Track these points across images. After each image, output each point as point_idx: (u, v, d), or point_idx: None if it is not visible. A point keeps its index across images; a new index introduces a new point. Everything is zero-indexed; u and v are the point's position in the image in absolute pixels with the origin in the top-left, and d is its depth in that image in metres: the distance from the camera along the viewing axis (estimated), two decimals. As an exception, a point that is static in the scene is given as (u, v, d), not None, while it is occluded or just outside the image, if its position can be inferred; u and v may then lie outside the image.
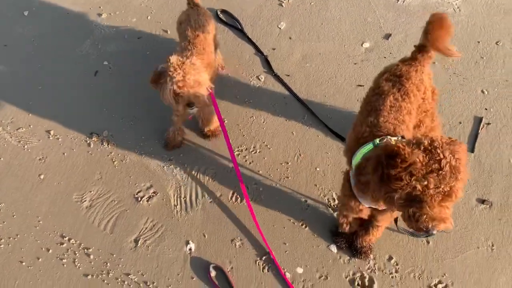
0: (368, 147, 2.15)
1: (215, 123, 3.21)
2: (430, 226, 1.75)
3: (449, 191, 1.70)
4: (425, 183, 1.68)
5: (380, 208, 2.25)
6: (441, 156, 1.68)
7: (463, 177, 1.71)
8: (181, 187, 3.12)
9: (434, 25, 2.37)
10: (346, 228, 2.71)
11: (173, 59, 2.58)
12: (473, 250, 2.80)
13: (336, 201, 3.00)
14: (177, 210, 3.03)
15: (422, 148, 1.71)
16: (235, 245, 2.88)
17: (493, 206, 2.94)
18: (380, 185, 1.80)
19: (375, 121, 2.27)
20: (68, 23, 4.09)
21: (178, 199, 3.07)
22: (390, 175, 1.73)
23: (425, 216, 1.74)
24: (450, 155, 1.68)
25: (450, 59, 3.61)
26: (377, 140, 2.13)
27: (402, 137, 2.17)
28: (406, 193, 1.74)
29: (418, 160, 1.68)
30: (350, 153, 2.31)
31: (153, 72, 2.70)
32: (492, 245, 2.80)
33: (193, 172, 3.18)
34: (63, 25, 4.08)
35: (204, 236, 2.92)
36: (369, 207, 2.30)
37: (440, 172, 1.67)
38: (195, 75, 2.62)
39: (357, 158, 2.17)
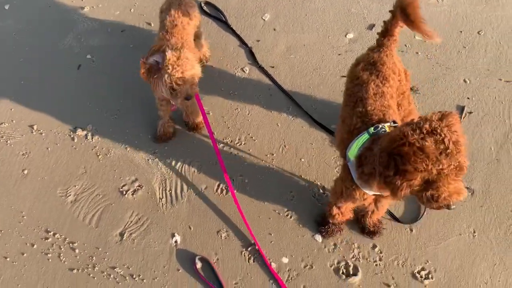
0: (364, 137, 2.17)
1: (200, 116, 3.20)
2: (451, 202, 1.84)
3: (459, 165, 1.76)
4: (440, 166, 1.73)
5: (385, 194, 2.25)
6: (443, 135, 1.72)
7: (464, 147, 1.77)
8: (166, 180, 3.12)
9: (412, 7, 2.39)
10: (339, 219, 2.73)
11: (169, 55, 2.57)
12: (456, 237, 2.84)
13: (321, 191, 3.02)
14: (162, 203, 3.03)
15: (425, 132, 1.74)
16: (221, 236, 2.89)
17: (475, 193, 2.98)
18: (392, 178, 1.83)
19: (364, 110, 2.31)
20: (50, 17, 4.04)
21: (163, 192, 3.07)
22: (406, 169, 1.76)
23: (443, 195, 1.81)
24: (449, 131, 1.73)
25: (434, 49, 3.64)
26: (372, 129, 2.16)
27: (394, 121, 2.21)
28: (421, 178, 1.78)
29: (431, 148, 1.72)
30: (343, 146, 2.34)
31: (143, 64, 2.69)
32: (474, 232, 2.85)
33: (178, 165, 3.17)
34: (45, 19, 4.03)
35: (190, 228, 2.93)
36: (373, 194, 2.32)
37: (448, 151, 1.72)
38: (191, 70, 2.64)
39: (354, 149, 2.19)
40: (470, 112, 3.31)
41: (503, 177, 3.03)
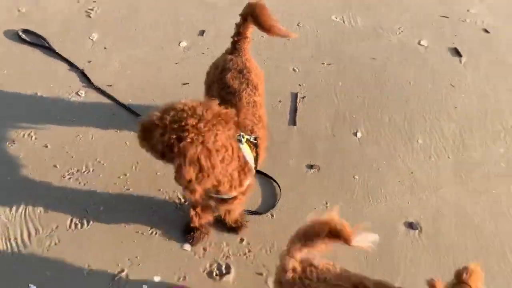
0: None
1: None
2: None
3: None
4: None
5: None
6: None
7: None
8: (9, 228, 2.79)
9: (264, 16, 2.51)
10: (197, 221, 2.73)
11: None
12: (313, 212, 3.02)
13: (182, 200, 3.01)
14: (8, 254, 2.69)
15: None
16: (84, 273, 2.67)
17: (321, 169, 3.24)
18: None
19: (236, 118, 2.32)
20: None
21: (7, 241, 2.74)
22: None
23: None
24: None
25: (262, 46, 3.88)
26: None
27: (255, 138, 2.27)
28: None
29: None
30: None
31: None
32: (327, 203, 3.08)
33: (21, 209, 2.86)
34: None
35: (47, 274, 2.66)
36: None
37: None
38: None
39: None
40: (303, 97, 3.61)
41: (341, 148, 3.36)
